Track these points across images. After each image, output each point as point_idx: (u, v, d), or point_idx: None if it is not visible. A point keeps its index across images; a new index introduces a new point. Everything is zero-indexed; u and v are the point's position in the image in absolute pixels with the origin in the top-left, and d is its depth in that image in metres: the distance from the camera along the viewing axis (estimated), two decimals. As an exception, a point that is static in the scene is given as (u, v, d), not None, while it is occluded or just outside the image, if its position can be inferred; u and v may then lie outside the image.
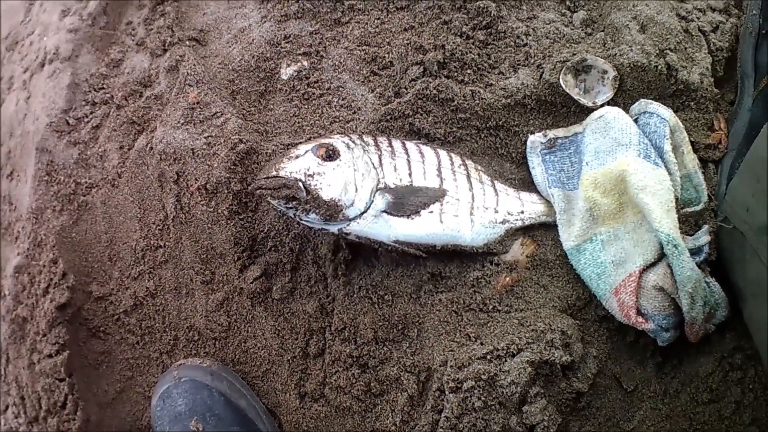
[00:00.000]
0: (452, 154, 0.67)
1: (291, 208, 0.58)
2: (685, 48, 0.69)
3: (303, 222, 0.60)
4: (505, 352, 0.59)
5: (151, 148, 0.72)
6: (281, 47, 0.74)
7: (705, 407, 0.62)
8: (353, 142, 0.63)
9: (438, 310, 0.64)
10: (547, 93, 0.67)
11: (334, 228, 0.60)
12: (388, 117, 0.68)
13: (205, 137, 0.69)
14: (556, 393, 0.59)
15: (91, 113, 0.79)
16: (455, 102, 0.67)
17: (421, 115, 0.68)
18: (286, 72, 0.72)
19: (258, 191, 0.58)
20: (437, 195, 0.62)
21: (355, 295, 0.65)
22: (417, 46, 0.70)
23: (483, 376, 0.57)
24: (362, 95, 0.70)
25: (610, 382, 0.63)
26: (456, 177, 0.65)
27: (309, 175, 0.58)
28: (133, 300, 0.73)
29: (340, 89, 0.71)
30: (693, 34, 0.70)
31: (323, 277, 0.67)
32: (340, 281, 0.66)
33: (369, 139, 0.64)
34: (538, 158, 0.68)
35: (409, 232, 0.61)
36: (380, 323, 0.65)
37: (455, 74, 0.69)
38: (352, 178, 0.59)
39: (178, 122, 0.70)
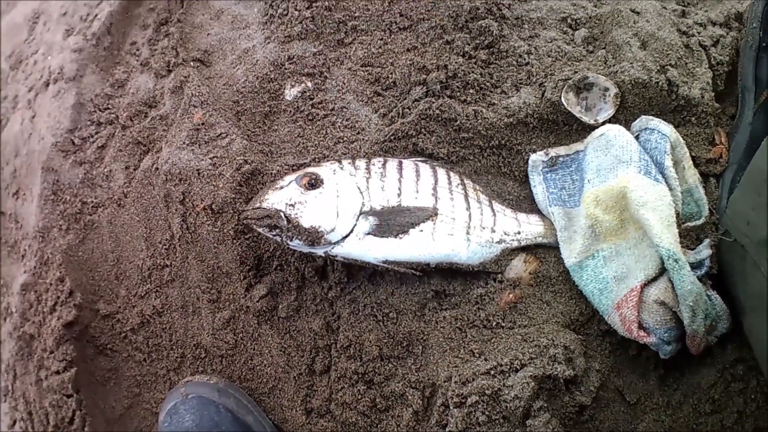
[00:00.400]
0: (451, 173, 0.68)
1: (275, 235, 0.62)
2: (686, 63, 0.70)
3: (290, 247, 0.64)
4: (508, 367, 0.60)
5: (157, 168, 0.74)
6: (285, 68, 0.75)
7: (707, 418, 0.63)
8: (341, 167, 0.66)
9: (442, 327, 0.66)
10: (549, 111, 0.69)
11: (320, 251, 0.64)
12: (392, 137, 0.69)
13: (210, 158, 0.70)
14: (559, 407, 0.60)
15: (97, 133, 0.81)
16: (458, 122, 0.69)
17: (425, 135, 0.69)
18: (290, 93, 0.74)
19: (245, 221, 0.63)
20: (426, 214, 0.64)
21: (360, 313, 0.67)
22: (420, 66, 0.71)
23: (487, 391, 0.58)
24: (366, 116, 0.71)
25: (613, 395, 0.64)
26: (453, 196, 0.66)
27: (290, 205, 0.62)
28: (140, 318, 0.74)
29: (344, 110, 0.72)
30: (693, 49, 0.71)
31: (328, 295, 0.68)
32: (345, 300, 0.67)
33: (361, 163, 0.67)
34: (540, 176, 0.69)
35: (398, 251, 0.63)
36: (385, 340, 0.66)
37: (458, 94, 0.70)
38: (334, 205, 0.63)
39: (184, 143, 0.72)
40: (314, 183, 0.64)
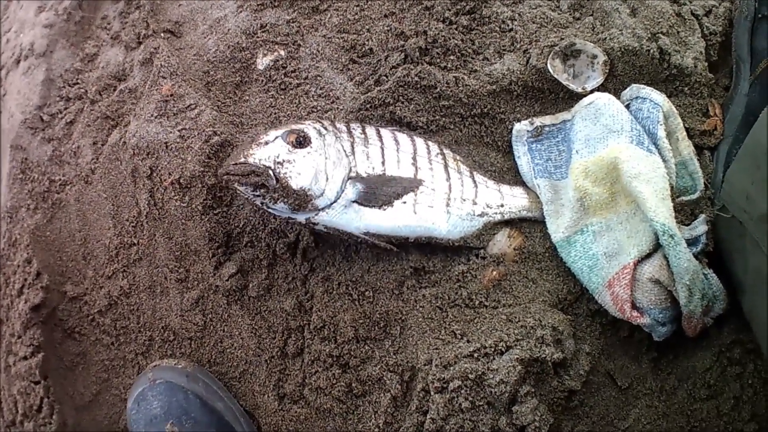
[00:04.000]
0: (429, 143, 0.62)
1: (259, 195, 0.54)
2: (678, 32, 0.65)
3: (270, 211, 0.56)
4: (493, 349, 0.55)
5: (125, 142, 0.69)
6: (257, 37, 0.70)
7: (703, 404, 0.58)
8: (325, 128, 0.59)
9: (422, 306, 0.60)
10: (534, 79, 0.63)
11: (301, 218, 0.56)
12: (368, 105, 0.63)
13: (178, 130, 0.65)
14: (547, 392, 0.56)
15: (65, 109, 0.76)
16: (438, 89, 0.63)
17: (403, 103, 0.63)
18: (263, 62, 0.68)
19: (226, 177, 0.54)
20: (412, 185, 0.58)
21: (334, 292, 0.61)
22: (398, 32, 0.65)
23: (470, 375, 0.53)
24: (341, 84, 0.66)
25: (604, 379, 0.59)
26: (432, 166, 0.60)
27: (279, 163, 0.54)
28: (108, 300, 0.69)
29: (318, 78, 0.67)
30: (686, 17, 0.66)
31: (301, 273, 0.62)
32: (318, 277, 0.61)
33: (342, 126, 0.60)
34: (524, 147, 0.63)
35: (381, 223, 0.57)
36: (361, 321, 0.60)
37: (438, 61, 0.64)
38: (323, 167, 0.55)
39: (152, 115, 0.66)
40: (302, 141, 0.55)
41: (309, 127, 0.57)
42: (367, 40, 0.66)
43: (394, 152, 0.59)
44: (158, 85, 0.67)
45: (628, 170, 0.56)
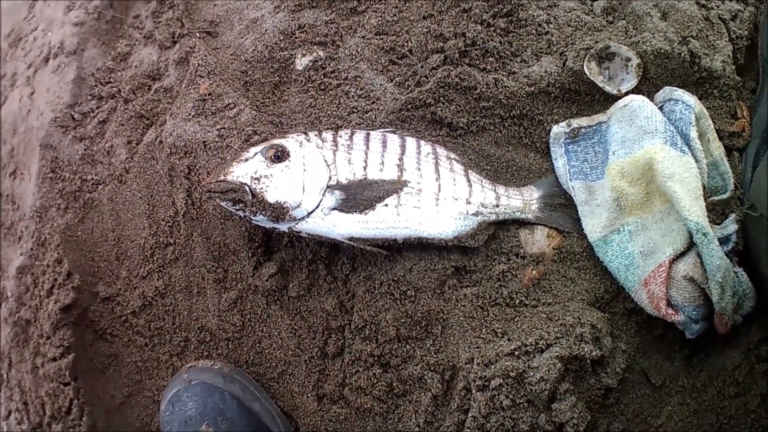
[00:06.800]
0: (422, 142, 0.62)
1: (239, 210, 0.57)
2: (707, 35, 0.65)
3: (253, 222, 0.58)
4: (533, 347, 0.54)
5: (161, 141, 0.67)
6: (295, 37, 0.69)
7: (732, 401, 0.58)
8: (308, 139, 0.60)
9: (463, 305, 0.59)
10: (571, 81, 0.63)
11: (284, 227, 0.58)
12: (409, 106, 0.63)
13: (217, 129, 0.64)
14: (585, 389, 0.55)
15: (98, 108, 0.74)
16: (478, 90, 0.62)
17: (443, 103, 0.63)
18: (301, 62, 0.67)
19: (207, 194, 0.57)
20: (395, 187, 0.58)
21: (376, 291, 0.60)
22: (437, 34, 0.65)
23: (511, 373, 0.53)
24: (381, 85, 0.65)
25: (639, 377, 0.59)
26: (421, 166, 0.60)
27: (255, 179, 0.56)
28: (142, 300, 0.67)
29: (358, 79, 0.65)
30: (713, 21, 0.66)
31: (342, 272, 0.61)
32: (360, 277, 0.60)
33: (328, 135, 0.61)
34: (561, 149, 0.63)
35: (363, 227, 0.57)
36: (403, 320, 0.59)
37: (477, 62, 0.64)
38: (300, 179, 0.57)
39: (189, 114, 0.65)
40: (280, 155, 0.57)
41: (290, 141, 0.59)
42: (407, 42, 0.65)
43: (379, 155, 0.59)
44: (195, 84, 0.66)
45: (662, 170, 0.56)
